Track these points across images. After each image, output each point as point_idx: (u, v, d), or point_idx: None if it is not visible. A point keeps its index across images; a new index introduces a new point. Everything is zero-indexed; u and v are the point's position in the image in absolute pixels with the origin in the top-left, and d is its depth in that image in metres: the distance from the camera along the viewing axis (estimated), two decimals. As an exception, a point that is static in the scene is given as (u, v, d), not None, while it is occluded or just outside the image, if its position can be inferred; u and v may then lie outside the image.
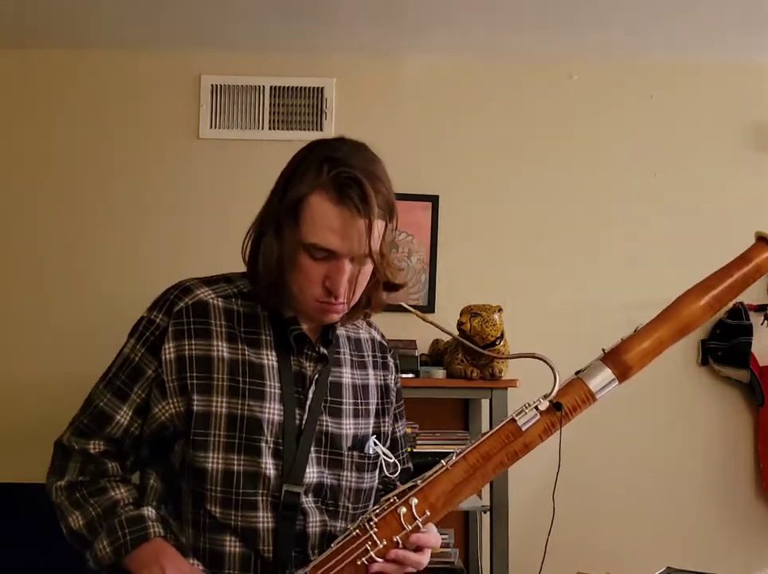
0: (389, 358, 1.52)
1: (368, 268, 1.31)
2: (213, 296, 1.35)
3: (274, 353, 1.34)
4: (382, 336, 1.54)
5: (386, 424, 1.48)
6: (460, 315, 2.58)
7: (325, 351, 1.38)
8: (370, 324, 1.53)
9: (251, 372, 1.32)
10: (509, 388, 2.64)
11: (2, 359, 3.00)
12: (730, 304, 3.00)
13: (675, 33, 2.92)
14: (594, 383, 1.21)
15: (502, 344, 2.60)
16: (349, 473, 1.38)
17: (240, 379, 1.31)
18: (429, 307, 3.01)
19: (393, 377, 1.52)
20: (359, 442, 1.40)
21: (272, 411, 1.31)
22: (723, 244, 3.10)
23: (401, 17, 2.82)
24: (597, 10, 2.73)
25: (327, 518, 1.34)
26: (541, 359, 1.22)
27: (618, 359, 1.21)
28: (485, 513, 2.69)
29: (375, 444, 1.42)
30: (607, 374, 1.21)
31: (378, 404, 1.46)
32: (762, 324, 2.97)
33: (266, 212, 1.33)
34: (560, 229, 3.10)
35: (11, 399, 2.95)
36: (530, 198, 3.11)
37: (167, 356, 1.30)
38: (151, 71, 3.12)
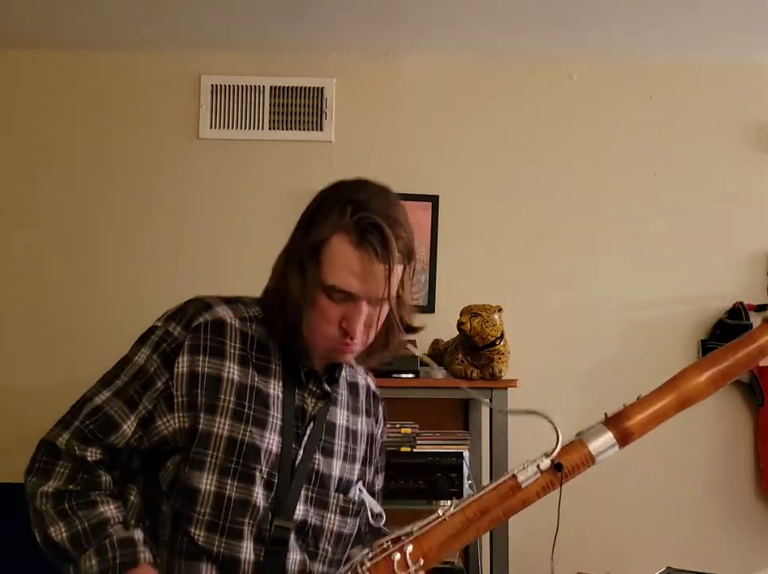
0: (379, 408, 1.53)
1: (385, 310, 1.32)
2: (231, 316, 1.35)
3: (281, 384, 1.34)
4: (375, 386, 1.55)
5: (370, 473, 1.48)
6: (460, 315, 2.58)
7: (329, 389, 1.39)
8: (366, 371, 1.54)
9: (257, 399, 1.32)
10: (509, 388, 2.64)
11: (2, 361, 3.00)
12: (730, 305, 3.00)
13: (675, 33, 2.92)
14: (595, 446, 1.23)
15: (502, 343, 2.60)
16: (333, 516, 1.37)
17: (246, 404, 1.31)
18: (428, 307, 3.01)
19: (380, 429, 1.52)
20: (345, 486, 1.40)
21: (271, 442, 1.31)
22: (723, 244, 3.12)
23: (402, 17, 2.82)
24: (597, 10, 2.74)
25: (306, 558, 1.33)
26: (544, 417, 1.22)
27: (620, 425, 1.24)
28: (485, 513, 2.68)
29: (360, 490, 1.42)
30: (608, 438, 1.23)
31: (365, 451, 1.47)
32: (762, 324, 2.96)
33: (290, 250, 1.33)
34: (560, 229, 3.10)
35: (11, 399, 2.95)
36: (531, 198, 3.11)
37: (180, 370, 1.29)
38: (151, 71, 3.12)
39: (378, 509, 1.44)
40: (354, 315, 1.28)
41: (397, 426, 2.63)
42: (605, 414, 1.25)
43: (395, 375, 2.60)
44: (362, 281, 1.26)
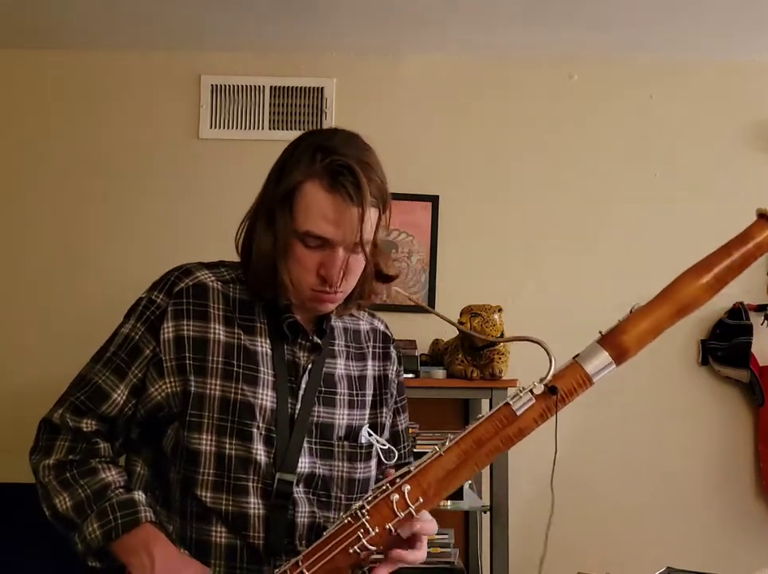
0: (391, 349, 1.51)
1: (362, 257, 1.30)
2: (213, 279, 1.36)
3: (268, 341, 1.35)
4: (386, 327, 1.53)
5: (383, 415, 1.47)
6: (460, 315, 2.59)
7: (318, 341, 1.37)
8: (372, 315, 1.53)
9: (245, 357, 1.32)
10: (509, 388, 2.64)
11: (3, 359, 3.01)
12: (730, 305, 3.00)
13: (675, 33, 2.92)
14: (591, 366, 1.18)
15: (502, 343, 2.60)
16: (340, 463, 1.38)
17: (235, 362, 1.31)
18: (429, 307, 3.01)
19: (394, 368, 1.50)
20: (354, 433, 1.40)
21: (265, 398, 1.31)
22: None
23: (401, 17, 2.82)
24: (597, 10, 2.73)
25: (316, 509, 1.34)
26: (536, 342, 1.20)
27: (615, 342, 1.19)
28: (485, 513, 2.68)
29: (369, 434, 1.41)
30: (604, 357, 1.18)
31: (374, 395, 1.46)
32: (762, 324, 2.97)
33: (260, 202, 1.34)
34: (560, 228, 3.10)
35: (12, 398, 2.95)
36: (530, 197, 3.11)
37: (166, 336, 1.31)
38: (151, 71, 3.12)
39: (386, 446, 1.43)
40: (331, 261, 1.27)
41: (398, 426, 2.63)
42: (600, 332, 1.21)
43: (395, 375, 2.60)
44: (336, 226, 1.25)
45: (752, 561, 2.89)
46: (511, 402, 1.17)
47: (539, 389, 1.17)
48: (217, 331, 1.32)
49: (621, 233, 3.10)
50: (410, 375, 2.62)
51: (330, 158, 1.25)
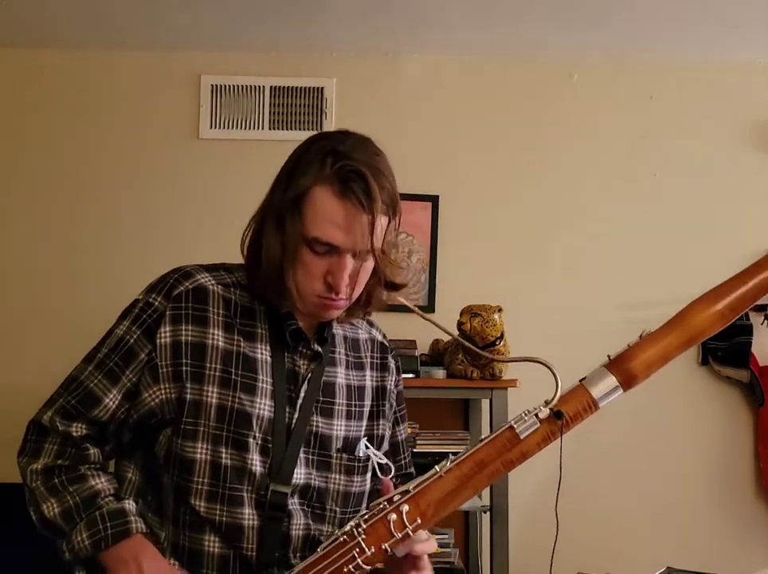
0: (389, 359, 1.48)
1: (369, 264, 1.27)
2: (213, 282, 1.32)
3: (268, 348, 1.31)
4: (384, 337, 1.50)
5: (380, 427, 1.44)
6: (460, 315, 2.59)
7: (320, 349, 1.34)
8: (371, 324, 1.49)
9: (244, 365, 1.29)
10: (509, 388, 2.64)
11: (3, 359, 3.01)
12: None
13: (675, 33, 2.92)
14: (597, 391, 1.16)
15: (502, 344, 2.60)
16: (337, 476, 1.35)
17: (233, 370, 1.28)
18: (428, 307, 3.01)
19: (392, 379, 1.47)
20: (351, 445, 1.37)
21: (263, 407, 1.28)
22: (723, 244, 3.12)
23: (402, 17, 2.82)
24: (597, 10, 2.73)
25: (310, 522, 1.31)
26: (542, 363, 1.17)
27: (623, 367, 1.16)
28: (485, 513, 2.69)
29: (366, 447, 1.38)
30: (611, 381, 1.16)
31: (372, 406, 1.42)
32: (762, 324, 2.97)
33: (268, 205, 1.29)
34: (560, 228, 3.10)
35: (12, 398, 2.95)
36: (530, 197, 3.11)
37: (163, 340, 1.27)
38: (151, 71, 3.12)
39: (383, 460, 1.40)
40: (338, 268, 1.23)
41: (397, 426, 2.63)
42: (608, 356, 1.18)
43: (395, 375, 2.60)
44: (345, 232, 1.22)
45: (752, 561, 2.90)
46: (515, 426, 1.15)
47: (544, 413, 1.15)
48: (216, 337, 1.29)
49: (621, 233, 3.10)
50: (410, 375, 2.62)
51: (341, 163, 1.22)
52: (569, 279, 3.08)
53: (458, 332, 2.60)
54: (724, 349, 2.97)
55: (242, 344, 1.30)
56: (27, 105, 3.12)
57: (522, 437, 1.15)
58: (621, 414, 2.98)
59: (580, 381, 1.18)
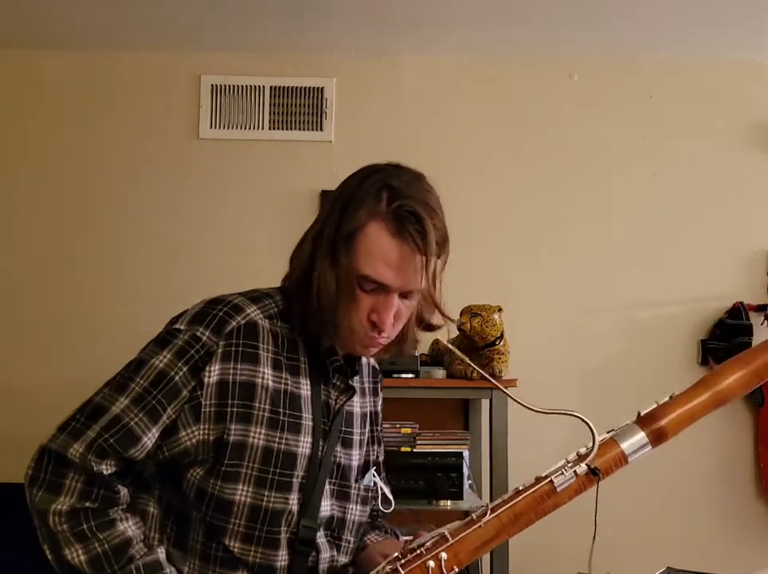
0: (379, 383, 1.48)
1: (412, 303, 1.26)
2: (261, 316, 1.26)
3: (308, 382, 1.28)
4: (375, 361, 1.48)
5: (374, 453, 1.44)
6: (460, 315, 2.58)
7: (353, 385, 1.33)
8: None
9: (291, 404, 1.25)
10: (509, 388, 2.63)
11: (5, 360, 3.01)
12: (730, 305, 3.00)
13: (675, 33, 2.92)
14: (627, 446, 1.21)
15: (502, 343, 2.60)
16: (354, 506, 1.34)
17: (281, 410, 1.24)
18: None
19: (380, 402, 1.48)
20: (362, 473, 1.36)
21: (306, 445, 1.26)
22: (723, 244, 3.12)
23: (401, 17, 2.82)
24: (597, 10, 2.74)
25: (334, 553, 1.30)
26: (581, 419, 1.19)
27: (653, 425, 1.22)
28: (485, 513, 2.68)
29: (374, 475, 1.38)
30: (641, 437, 1.21)
31: (369, 432, 1.43)
32: (762, 324, 2.97)
33: (321, 232, 1.25)
34: (560, 228, 3.10)
35: (13, 399, 2.95)
36: (530, 197, 3.11)
37: (210, 379, 1.20)
38: (151, 71, 3.12)
39: (387, 491, 1.40)
40: (384, 307, 1.22)
41: (397, 426, 2.63)
42: (639, 413, 1.23)
43: (395, 375, 2.60)
44: (396, 272, 1.20)
45: (752, 561, 2.90)
46: (554, 481, 1.18)
47: (582, 469, 1.18)
48: (265, 376, 1.23)
49: (621, 233, 3.10)
50: (410, 375, 2.62)
51: (398, 202, 1.19)
52: (569, 279, 3.08)
53: (458, 332, 2.61)
54: (724, 349, 2.97)
55: (289, 381, 1.26)
56: (27, 106, 3.12)
57: (558, 490, 1.18)
58: (621, 415, 2.97)
59: (610, 435, 1.23)
